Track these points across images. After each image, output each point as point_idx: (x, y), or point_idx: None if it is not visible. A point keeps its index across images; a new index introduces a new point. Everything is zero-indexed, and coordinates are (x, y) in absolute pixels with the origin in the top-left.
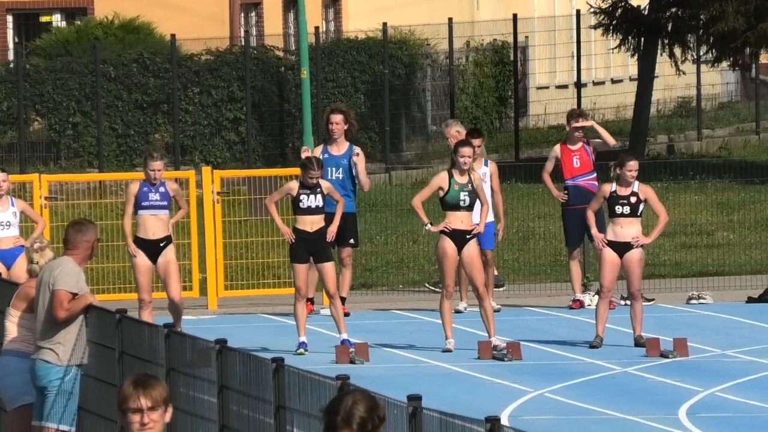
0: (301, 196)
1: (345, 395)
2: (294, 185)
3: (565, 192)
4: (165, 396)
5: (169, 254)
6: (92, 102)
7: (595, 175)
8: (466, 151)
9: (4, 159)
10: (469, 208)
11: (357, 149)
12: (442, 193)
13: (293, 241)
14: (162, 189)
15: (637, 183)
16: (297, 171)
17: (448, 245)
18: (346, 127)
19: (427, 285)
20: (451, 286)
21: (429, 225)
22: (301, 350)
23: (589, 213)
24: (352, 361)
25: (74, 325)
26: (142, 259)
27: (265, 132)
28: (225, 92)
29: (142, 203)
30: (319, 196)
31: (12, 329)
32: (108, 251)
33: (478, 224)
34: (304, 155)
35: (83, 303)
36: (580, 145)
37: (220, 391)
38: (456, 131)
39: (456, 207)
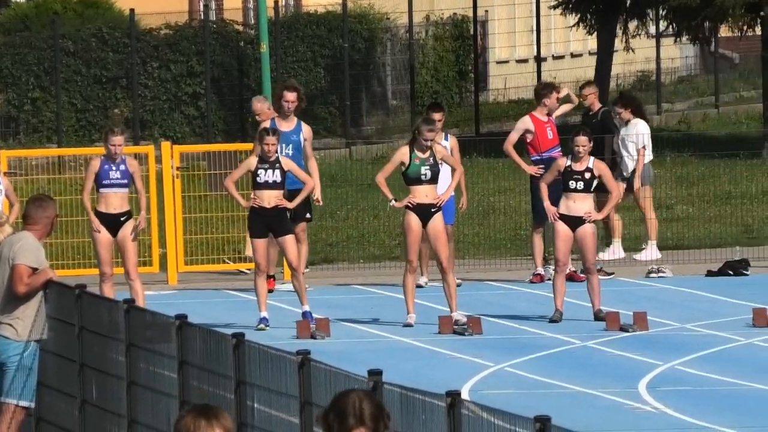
0: (259, 171)
1: (346, 395)
2: (253, 160)
3: (541, 167)
4: (231, 426)
5: (127, 228)
6: (51, 77)
7: (560, 148)
8: (428, 134)
9: None
10: (432, 181)
11: (306, 128)
12: (403, 168)
13: (256, 205)
14: (122, 167)
15: (592, 159)
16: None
17: (413, 220)
18: (296, 104)
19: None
20: (415, 261)
21: (393, 201)
22: (262, 326)
23: (543, 185)
24: (313, 336)
25: (34, 300)
26: (102, 233)
27: (225, 107)
28: (184, 67)
29: (103, 181)
30: (277, 171)
31: None
32: (67, 227)
33: (442, 195)
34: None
35: (43, 278)
36: (547, 117)
37: (181, 366)
38: (259, 106)
39: (417, 181)
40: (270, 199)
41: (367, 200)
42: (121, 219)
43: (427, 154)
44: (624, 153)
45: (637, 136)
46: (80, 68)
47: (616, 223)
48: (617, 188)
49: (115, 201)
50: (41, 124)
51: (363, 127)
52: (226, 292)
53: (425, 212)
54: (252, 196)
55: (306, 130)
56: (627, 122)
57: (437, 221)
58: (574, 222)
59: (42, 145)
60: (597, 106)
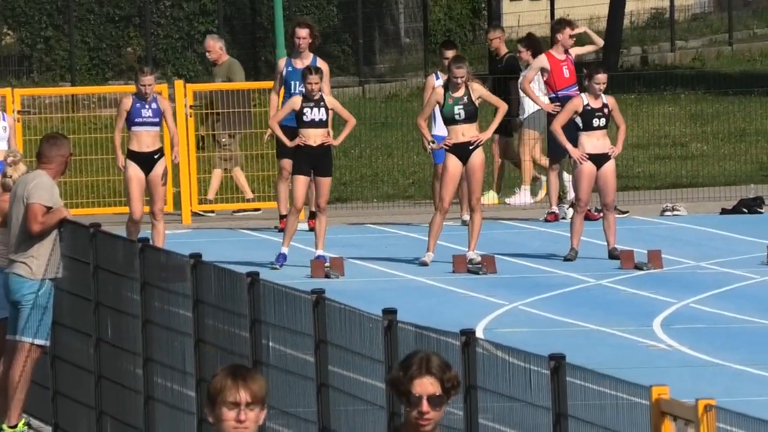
0: (305, 110)
1: (414, 352)
2: (297, 99)
3: (558, 104)
4: (265, 393)
5: (159, 168)
6: (64, 15)
7: (578, 86)
8: (458, 72)
9: None
10: (468, 120)
11: (322, 64)
12: (439, 108)
13: (302, 144)
14: (154, 105)
15: (603, 94)
16: (270, 84)
17: (450, 161)
18: (310, 41)
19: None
20: (448, 202)
21: (432, 143)
22: (277, 266)
23: (558, 128)
24: (327, 276)
25: (48, 239)
26: (134, 170)
27: (238, 45)
28: (197, 5)
29: (135, 119)
30: (322, 110)
31: None
32: (81, 165)
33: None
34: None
35: (57, 216)
36: (565, 55)
37: (195, 305)
38: (212, 44)
39: (452, 121)
40: (316, 137)
41: (380, 139)
42: (155, 157)
43: (461, 93)
44: (522, 95)
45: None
46: (93, 6)
47: (528, 166)
48: (624, 122)
49: (147, 139)
50: (54, 63)
51: (376, 66)
52: (239, 231)
53: (463, 150)
54: (299, 134)
55: (322, 66)
56: (527, 65)
57: (475, 158)
58: (598, 159)
59: (55, 83)
60: (503, 50)
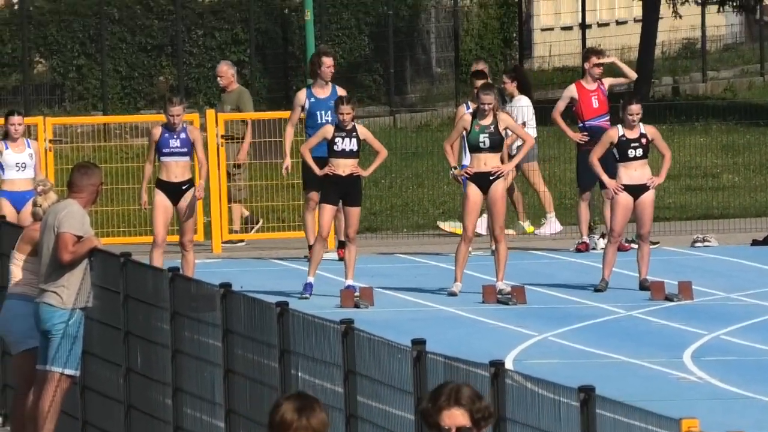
0: (336, 139)
1: (444, 383)
2: (329, 128)
3: (585, 134)
4: (325, 430)
5: (189, 198)
6: (96, 44)
7: (608, 116)
8: (486, 98)
9: (8, 101)
10: (492, 149)
11: (341, 92)
12: (465, 135)
13: (331, 174)
14: (183, 135)
15: (641, 124)
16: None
17: (471, 189)
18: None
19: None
20: (471, 230)
21: (454, 169)
22: (307, 295)
23: (595, 160)
24: (356, 306)
25: (78, 268)
26: (161, 198)
27: (269, 74)
28: (229, 34)
29: (163, 149)
30: (354, 140)
31: (17, 273)
32: (112, 194)
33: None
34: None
35: (88, 246)
36: (596, 84)
37: (225, 335)
38: (225, 69)
39: (477, 149)
40: (345, 167)
41: (411, 169)
42: (183, 188)
43: (489, 121)
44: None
45: (519, 109)
46: (125, 35)
47: (546, 195)
48: (669, 150)
49: (176, 169)
50: (86, 92)
51: (407, 95)
52: (269, 260)
53: (484, 180)
54: (328, 164)
55: (342, 93)
56: (512, 97)
57: (496, 188)
58: (636, 190)
59: (87, 112)
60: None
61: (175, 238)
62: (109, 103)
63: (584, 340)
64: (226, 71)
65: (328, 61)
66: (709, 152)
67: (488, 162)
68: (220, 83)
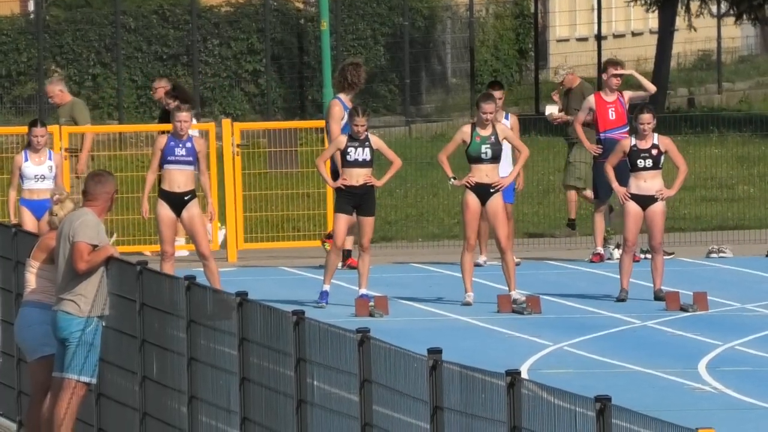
0: (349, 149)
1: None
2: (343, 139)
3: (600, 146)
4: None
5: (192, 209)
6: (112, 53)
7: (628, 128)
8: (487, 107)
9: (24, 110)
10: (493, 160)
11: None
12: (465, 146)
13: (343, 187)
14: (189, 144)
15: (656, 135)
16: (317, 123)
17: (471, 199)
18: None
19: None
20: (473, 239)
21: (453, 179)
22: (323, 304)
23: (608, 168)
24: (371, 315)
25: (95, 276)
26: (165, 211)
27: (285, 84)
28: (245, 44)
29: (168, 157)
30: (367, 150)
31: (32, 280)
32: (128, 203)
33: (504, 177)
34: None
35: (104, 254)
36: (615, 96)
37: (241, 343)
38: (51, 88)
39: (478, 160)
40: (359, 177)
41: (426, 178)
42: (185, 198)
43: (489, 132)
44: None
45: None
46: (141, 45)
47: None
48: (684, 163)
49: (179, 179)
50: (102, 101)
51: (422, 105)
52: (285, 269)
53: (484, 191)
54: (341, 175)
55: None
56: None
57: (496, 200)
58: (645, 201)
59: (102, 121)
60: None
61: (191, 246)
62: (124, 112)
63: (599, 350)
64: (52, 89)
65: (361, 72)
66: (724, 163)
67: (489, 174)
68: (52, 102)
